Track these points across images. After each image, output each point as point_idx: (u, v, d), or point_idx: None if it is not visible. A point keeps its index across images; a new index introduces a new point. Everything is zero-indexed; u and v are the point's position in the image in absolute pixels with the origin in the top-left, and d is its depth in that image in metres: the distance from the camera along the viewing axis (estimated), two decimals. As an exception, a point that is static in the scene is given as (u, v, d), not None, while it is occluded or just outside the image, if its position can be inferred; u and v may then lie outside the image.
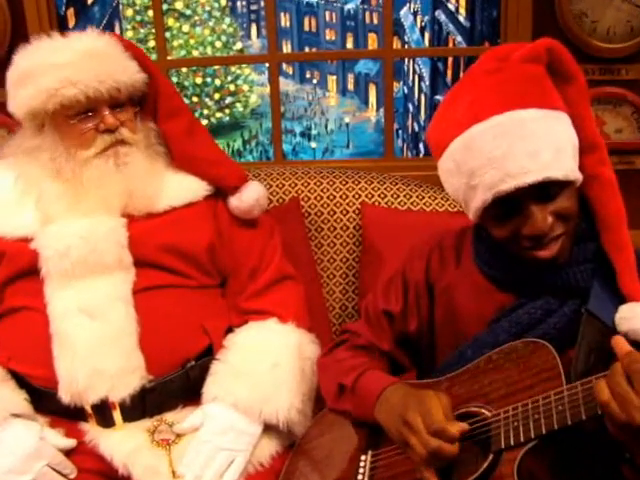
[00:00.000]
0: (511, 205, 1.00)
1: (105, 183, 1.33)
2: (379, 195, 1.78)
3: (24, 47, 1.33)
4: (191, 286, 1.40)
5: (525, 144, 0.96)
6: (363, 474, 1.10)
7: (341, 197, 1.79)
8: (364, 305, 1.33)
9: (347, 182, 1.80)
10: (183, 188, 1.43)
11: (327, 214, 1.79)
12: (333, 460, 1.21)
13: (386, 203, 1.77)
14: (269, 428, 1.33)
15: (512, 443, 0.92)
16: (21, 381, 1.31)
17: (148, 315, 1.32)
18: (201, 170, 1.46)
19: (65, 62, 1.28)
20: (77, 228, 1.30)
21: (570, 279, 1.06)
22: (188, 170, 1.45)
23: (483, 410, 1.00)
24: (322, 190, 1.80)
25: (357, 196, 1.79)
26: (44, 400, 1.29)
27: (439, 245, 1.26)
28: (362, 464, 1.11)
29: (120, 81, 1.31)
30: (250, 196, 1.46)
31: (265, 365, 1.35)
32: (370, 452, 1.12)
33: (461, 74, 1.10)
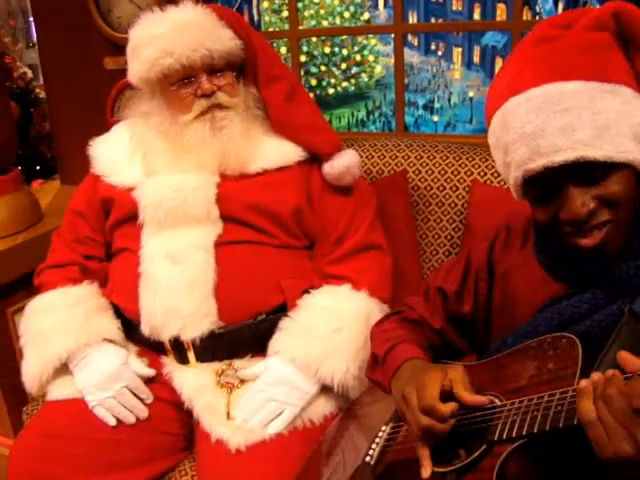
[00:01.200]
0: (550, 186, 0.91)
1: (202, 145, 1.44)
2: (492, 174, 1.69)
3: (132, 28, 1.48)
4: (274, 244, 1.47)
5: (560, 119, 0.87)
6: (377, 444, 1.09)
7: (452, 173, 1.73)
8: (427, 280, 1.30)
9: (461, 158, 1.74)
10: (277, 152, 1.50)
11: (436, 189, 1.75)
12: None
13: (499, 182, 1.68)
14: (326, 390, 1.37)
15: (504, 437, 0.86)
16: (118, 312, 1.49)
17: (227, 266, 1.41)
18: (296, 136, 1.51)
19: (161, 34, 1.40)
20: (171, 181, 1.43)
21: (623, 274, 0.93)
22: (284, 135, 1.51)
23: (496, 399, 0.95)
24: (434, 164, 1.76)
25: (469, 173, 1.72)
26: (133, 331, 1.46)
27: (507, 227, 1.19)
28: (380, 434, 1.11)
29: (212, 49, 1.40)
30: (341, 162, 1.49)
31: (329, 328, 1.38)
32: (391, 424, 1.11)
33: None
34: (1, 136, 2.02)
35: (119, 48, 2.14)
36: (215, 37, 1.41)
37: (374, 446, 1.10)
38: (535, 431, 0.82)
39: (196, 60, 1.38)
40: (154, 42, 1.39)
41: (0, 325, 1.98)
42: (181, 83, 1.42)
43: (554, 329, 0.98)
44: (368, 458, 1.09)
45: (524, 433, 0.84)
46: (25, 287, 1.94)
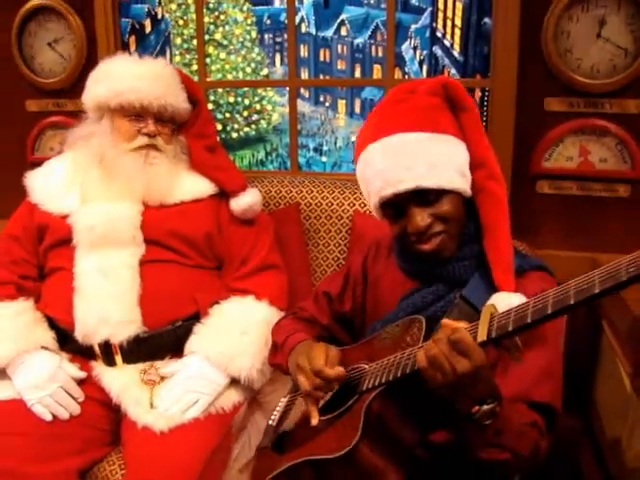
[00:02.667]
0: (399, 208, 1.26)
1: (132, 175, 1.71)
2: (370, 205, 2.05)
3: (106, 60, 1.77)
4: (188, 264, 1.75)
5: (403, 159, 1.22)
6: (278, 411, 1.38)
7: (338, 205, 2.08)
8: (316, 288, 1.62)
9: (345, 192, 2.10)
10: (193, 187, 1.80)
11: (324, 218, 2.09)
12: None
13: (375, 212, 2.04)
14: (234, 382, 1.65)
15: (370, 386, 1.17)
16: (52, 324, 1.70)
17: (149, 281, 1.68)
18: (210, 173, 1.82)
19: (138, 75, 1.70)
20: (103, 210, 1.68)
21: (455, 271, 1.29)
22: (201, 174, 1.82)
23: (365, 365, 1.26)
24: (322, 197, 2.10)
25: (352, 205, 2.07)
26: (67, 340, 1.68)
27: (377, 244, 1.53)
28: (280, 404, 1.40)
29: (169, 103, 1.72)
30: (245, 201, 1.81)
31: (236, 331, 1.67)
32: (288, 396, 1.41)
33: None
34: None
35: (41, 92, 2.37)
36: (175, 95, 1.74)
37: (275, 413, 1.39)
38: (391, 379, 1.14)
39: (154, 106, 1.69)
40: (128, 79, 1.68)
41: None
42: (132, 118, 1.71)
43: (409, 315, 1.31)
44: (271, 421, 1.37)
45: (383, 381, 1.15)
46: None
